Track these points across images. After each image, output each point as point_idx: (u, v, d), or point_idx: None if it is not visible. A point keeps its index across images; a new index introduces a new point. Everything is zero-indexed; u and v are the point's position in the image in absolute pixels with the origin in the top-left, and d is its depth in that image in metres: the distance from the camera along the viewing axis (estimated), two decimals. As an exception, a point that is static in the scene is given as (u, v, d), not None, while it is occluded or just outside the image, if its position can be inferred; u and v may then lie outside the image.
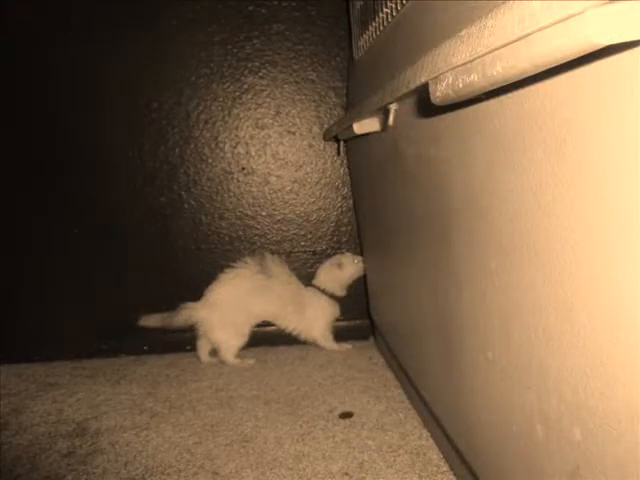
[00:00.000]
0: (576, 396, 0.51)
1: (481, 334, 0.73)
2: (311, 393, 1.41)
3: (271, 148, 1.79)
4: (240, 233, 1.81)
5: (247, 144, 1.78)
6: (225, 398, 1.41)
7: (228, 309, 1.62)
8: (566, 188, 0.48)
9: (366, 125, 1.13)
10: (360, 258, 1.74)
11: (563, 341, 0.52)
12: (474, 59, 0.48)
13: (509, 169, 0.59)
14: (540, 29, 0.37)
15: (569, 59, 0.38)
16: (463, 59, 0.50)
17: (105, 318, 1.74)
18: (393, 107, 0.98)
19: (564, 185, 0.49)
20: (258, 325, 1.71)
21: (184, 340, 1.74)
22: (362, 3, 1.31)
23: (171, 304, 1.62)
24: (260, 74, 1.76)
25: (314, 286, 1.75)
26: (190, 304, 1.62)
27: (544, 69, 0.41)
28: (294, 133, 1.79)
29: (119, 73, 1.72)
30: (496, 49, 0.44)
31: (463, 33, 0.49)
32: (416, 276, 1.06)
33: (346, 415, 1.27)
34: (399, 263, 1.22)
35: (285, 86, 1.77)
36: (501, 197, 0.62)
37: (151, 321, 1.62)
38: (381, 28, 1.13)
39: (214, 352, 1.67)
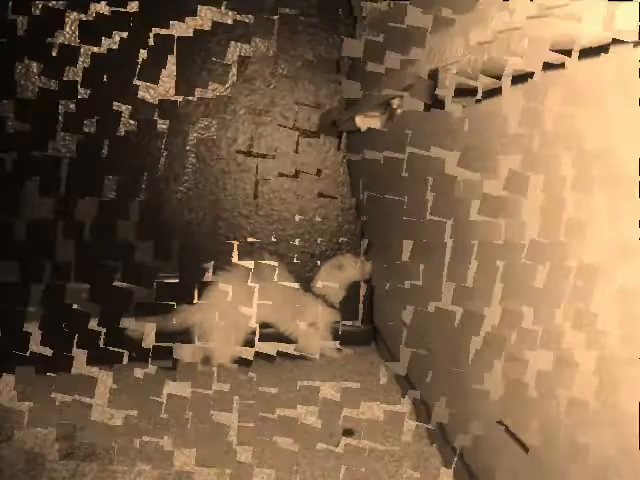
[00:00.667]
0: (576, 396, 0.51)
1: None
2: (310, 397, 1.39)
3: (268, 144, 1.76)
4: (237, 233, 1.79)
5: (244, 141, 1.76)
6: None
7: (225, 311, 1.59)
8: (570, 186, 0.48)
9: (368, 120, 1.13)
10: (360, 260, 1.71)
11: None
12: (474, 56, 0.48)
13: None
14: (537, 27, 0.38)
15: (568, 57, 0.38)
16: (464, 55, 0.49)
17: (103, 319, 1.73)
18: (395, 102, 0.98)
19: (567, 184, 0.48)
20: (257, 326, 1.68)
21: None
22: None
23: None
24: (257, 67, 1.73)
25: (313, 288, 1.72)
26: (185, 306, 1.60)
27: (542, 68, 0.42)
28: (292, 129, 1.76)
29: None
30: (492, 44, 0.44)
31: (464, 29, 0.49)
32: (422, 279, 1.05)
33: (346, 420, 1.25)
34: (403, 266, 1.21)
35: (283, 80, 1.74)
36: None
37: (147, 323, 1.60)
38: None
39: (210, 356, 1.65)
